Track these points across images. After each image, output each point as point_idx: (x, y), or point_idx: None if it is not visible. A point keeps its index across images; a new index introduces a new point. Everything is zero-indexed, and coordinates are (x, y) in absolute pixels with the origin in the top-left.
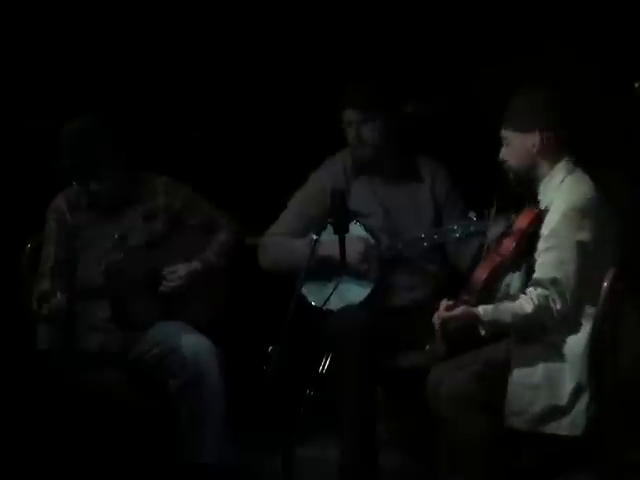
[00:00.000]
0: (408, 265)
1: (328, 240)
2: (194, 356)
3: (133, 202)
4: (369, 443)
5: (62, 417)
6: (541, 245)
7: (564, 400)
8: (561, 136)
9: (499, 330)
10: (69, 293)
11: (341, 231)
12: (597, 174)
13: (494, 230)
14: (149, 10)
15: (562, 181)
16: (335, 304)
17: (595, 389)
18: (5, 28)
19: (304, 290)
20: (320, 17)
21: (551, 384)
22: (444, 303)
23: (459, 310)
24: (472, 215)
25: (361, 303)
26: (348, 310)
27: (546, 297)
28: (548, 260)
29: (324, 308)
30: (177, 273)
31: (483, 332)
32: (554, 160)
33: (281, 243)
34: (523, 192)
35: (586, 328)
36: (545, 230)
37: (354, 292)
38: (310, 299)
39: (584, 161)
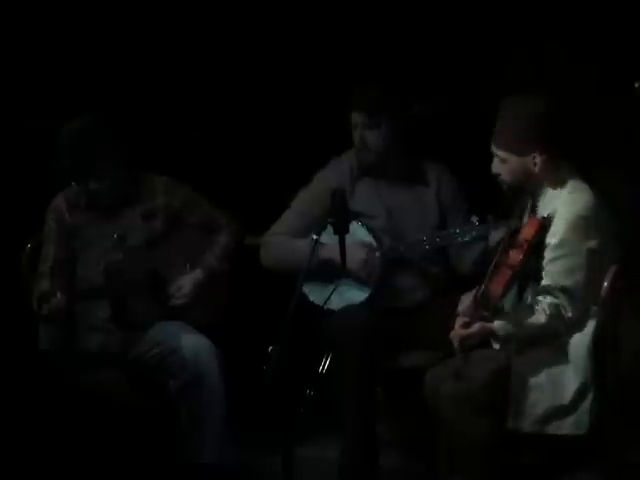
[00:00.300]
0: (410, 266)
1: (330, 243)
2: (194, 356)
3: (132, 202)
4: (369, 443)
5: (62, 417)
6: (549, 254)
7: (568, 400)
8: (560, 149)
9: (513, 342)
10: (69, 293)
11: (341, 231)
12: (597, 174)
13: (495, 235)
14: (149, 10)
15: (562, 187)
16: (336, 304)
17: (598, 388)
18: (5, 28)
19: (305, 289)
20: (320, 15)
21: (554, 384)
22: (460, 321)
23: (476, 327)
24: (475, 220)
25: (362, 303)
26: (349, 310)
27: (557, 306)
28: (557, 269)
29: (325, 307)
30: (183, 290)
31: (497, 346)
32: (552, 170)
33: (283, 242)
34: (520, 201)
35: (589, 327)
36: (552, 239)
37: (355, 292)
38: (311, 298)
39: (584, 161)
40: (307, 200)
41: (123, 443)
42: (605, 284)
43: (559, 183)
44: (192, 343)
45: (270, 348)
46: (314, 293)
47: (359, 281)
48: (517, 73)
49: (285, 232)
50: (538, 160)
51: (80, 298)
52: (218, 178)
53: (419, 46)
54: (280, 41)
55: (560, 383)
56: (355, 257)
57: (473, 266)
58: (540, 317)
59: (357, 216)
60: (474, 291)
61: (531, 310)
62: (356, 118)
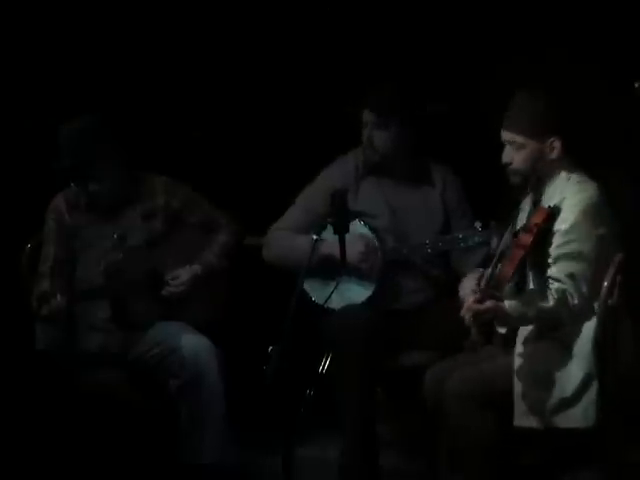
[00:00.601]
0: (412, 269)
1: (331, 238)
2: (194, 356)
3: (132, 202)
4: (369, 443)
5: (62, 417)
6: (558, 240)
7: (571, 392)
8: (570, 138)
9: (520, 325)
10: (69, 293)
11: (341, 231)
12: (597, 174)
13: (496, 241)
14: (149, 10)
15: (568, 179)
16: (337, 303)
17: (600, 382)
18: (5, 28)
19: (307, 287)
20: (319, 14)
21: (558, 378)
22: (471, 296)
23: (490, 303)
24: (478, 225)
25: (362, 303)
26: (349, 310)
27: (564, 292)
28: (566, 255)
29: (325, 306)
30: (180, 279)
31: (503, 330)
32: (562, 164)
33: (285, 239)
34: (526, 193)
35: (592, 322)
36: (563, 225)
37: (356, 292)
38: (312, 296)
39: (584, 161)
40: (311, 197)
41: (123, 443)
42: (605, 283)
43: (564, 171)
44: (192, 343)
45: (270, 348)
46: (315, 291)
47: (360, 277)
48: (517, 73)
49: (289, 228)
50: (557, 144)
51: (80, 298)
52: (218, 178)
53: (422, 47)
54: (281, 40)
55: (565, 377)
56: (354, 249)
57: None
58: (549, 301)
59: (358, 216)
60: (478, 274)
61: (541, 294)
62: (367, 117)
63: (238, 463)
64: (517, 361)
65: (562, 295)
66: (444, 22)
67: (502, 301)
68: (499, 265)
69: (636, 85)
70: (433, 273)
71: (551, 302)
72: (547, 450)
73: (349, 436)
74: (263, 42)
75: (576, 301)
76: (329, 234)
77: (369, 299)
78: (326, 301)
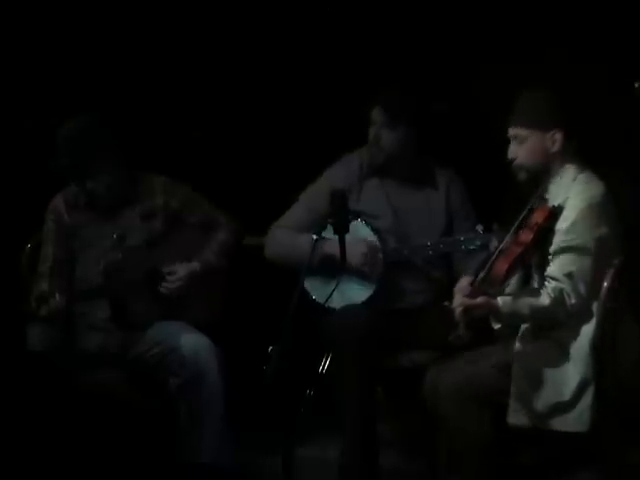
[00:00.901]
0: (413, 269)
1: (333, 238)
2: (194, 355)
3: (131, 202)
4: (369, 443)
5: (62, 417)
6: (558, 239)
7: (568, 396)
8: (573, 134)
9: (514, 323)
10: (68, 293)
11: (341, 232)
12: (597, 174)
13: (495, 243)
14: (148, 10)
15: (574, 179)
16: (337, 302)
17: (597, 386)
18: (5, 28)
19: (308, 286)
20: (319, 12)
21: (555, 380)
22: (464, 289)
23: (481, 299)
24: (479, 228)
25: (363, 303)
26: (349, 310)
27: (561, 291)
28: (566, 254)
29: (326, 305)
30: (177, 275)
31: (497, 326)
32: (566, 159)
33: (287, 236)
34: (530, 190)
35: (590, 324)
36: (563, 224)
37: (356, 291)
38: (313, 294)
39: (584, 161)
40: (314, 196)
41: (123, 443)
42: (605, 284)
43: (570, 171)
44: (191, 342)
45: (270, 348)
46: (316, 290)
47: (361, 277)
48: (517, 74)
49: (291, 226)
50: (558, 137)
51: (79, 298)
52: (218, 178)
53: (423, 47)
54: (281, 40)
55: (561, 379)
56: (356, 251)
57: (474, 274)
58: (544, 300)
59: (359, 215)
60: (472, 277)
61: (537, 292)
62: (376, 115)
63: (238, 463)
64: (515, 360)
65: (559, 294)
66: (445, 22)
67: (495, 298)
68: (495, 262)
69: (636, 85)
70: (434, 275)
71: (547, 301)
72: (544, 450)
73: (349, 436)
74: (263, 41)
75: (573, 300)
76: (330, 234)
77: (370, 299)
78: (327, 300)
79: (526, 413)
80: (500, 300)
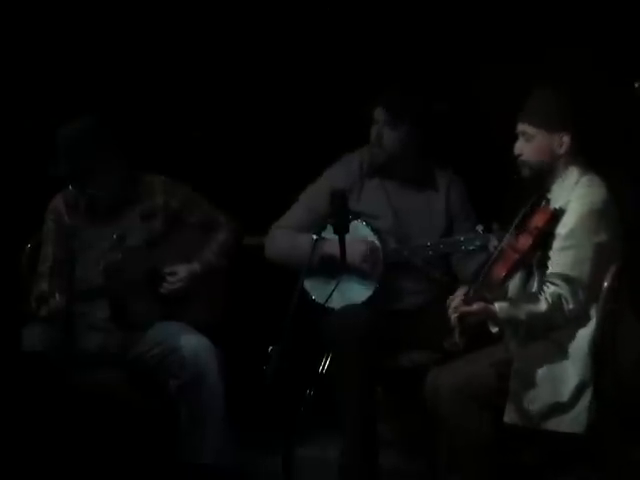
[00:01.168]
0: (413, 270)
1: (333, 238)
2: (194, 356)
3: (131, 202)
4: (369, 443)
5: (62, 418)
6: (557, 244)
7: (566, 397)
8: (581, 137)
9: (512, 327)
10: (68, 294)
11: (341, 232)
12: (599, 175)
13: (494, 244)
14: (148, 10)
15: (577, 182)
16: (337, 303)
17: (596, 386)
18: (5, 29)
19: (308, 286)
20: (319, 12)
21: (553, 381)
22: (460, 296)
23: (477, 305)
24: (480, 229)
25: (362, 303)
26: (348, 310)
27: (559, 295)
28: (564, 259)
29: (326, 306)
30: (177, 275)
31: (495, 329)
32: (570, 160)
33: (287, 236)
34: (533, 189)
35: (590, 325)
36: (563, 229)
37: (356, 292)
38: (313, 295)
39: (588, 163)
40: (314, 196)
41: (123, 443)
42: (605, 284)
43: (574, 173)
44: (192, 343)
45: (270, 348)
46: (316, 290)
47: (362, 277)
48: (518, 74)
49: (291, 226)
50: (566, 139)
51: (79, 298)
52: (218, 178)
53: (423, 47)
54: (281, 40)
55: (559, 380)
56: (356, 250)
57: (473, 275)
58: (542, 305)
59: (359, 215)
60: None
61: (534, 297)
62: (378, 114)
63: (238, 463)
64: (514, 360)
65: (557, 299)
66: (445, 22)
67: (492, 303)
68: (493, 266)
69: (636, 85)
70: (434, 275)
71: (544, 306)
72: (542, 450)
73: (349, 436)
74: (263, 41)
75: (571, 306)
76: (330, 234)
77: (369, 299)
78: (327, 300)
79: (524, 413)
80: (497, 306)
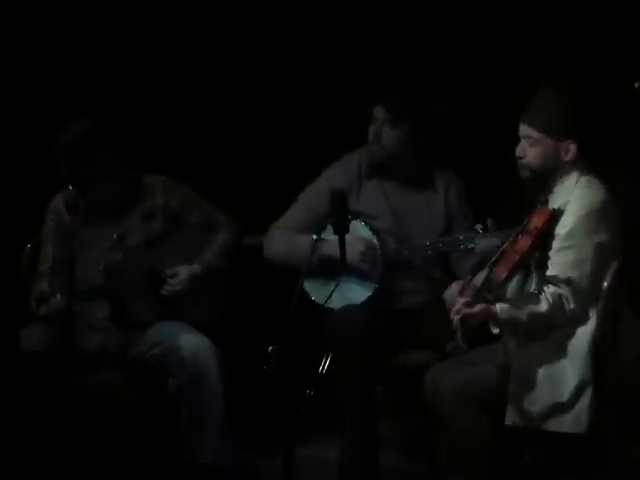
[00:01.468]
0: (412, 269)
1: (332, 238)
2: (193, 356)
3: (131, 202)
4: (369, 442)
5: (61, 418)
6: (557, 244)
7: (566, 397)
8: (586, 144)
9: (513, 328)
10: (68, 293)
11: (341, 232)
12: (597, 174)
13: (492, 242)
14: (148, 10)
15: (576, 182)
16: (337, 303)
17: (596, 386)
18: (5, 30)
19: (307, 286)
20: (319, 12)
21: (553, 381)
22: (462, 299)
23: (479, 307)
24: (479, 228)
25: (362, 303)
26: (348, 309)
27: (560, 296)
28: (564, 260)
29: (325, 306)
30: (179, 277)
31: (496, 330)
32: (572, 165)
33: (286, 237)
34: (533, 190)
35: (589, 325)
36: (562, 230)
37: (356, 292)
38: (312, 295)
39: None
40: (313, 196)
41: (123, 443)
42: (605, 284)
43: (573, 174)
44: (191, 342)
45: (270, 348)
46: (315, 291)
47: (361, 277)
48: (518, 74)
49: (290, 226)
50: (572, 148)
51: (79, 298)
52: (218, 178)
53: (424, 47)
54: (281, 40)
55: (559, 380)
56: (355, 250)
57: (470, 273)
58: (543, 306)
59: (358, 216)
60: (465, 281)
61: (535, 298)
62: (378, 113)
63: (238, 463)
64: (514, 360)
65: (557, 299)
66: (445, 22)
67: (493, 304)
68: (494, 267)
69: (636, 85)
70: (434, 274)
71: (544, 307)
72: (543, 451)
73: (349, 435)
74: (263, 41)
75: (572, 306)
76: (330, 234)
77: (369, 299)
78: (326, 301)
79: (524, 414)
80: (498, 307)
